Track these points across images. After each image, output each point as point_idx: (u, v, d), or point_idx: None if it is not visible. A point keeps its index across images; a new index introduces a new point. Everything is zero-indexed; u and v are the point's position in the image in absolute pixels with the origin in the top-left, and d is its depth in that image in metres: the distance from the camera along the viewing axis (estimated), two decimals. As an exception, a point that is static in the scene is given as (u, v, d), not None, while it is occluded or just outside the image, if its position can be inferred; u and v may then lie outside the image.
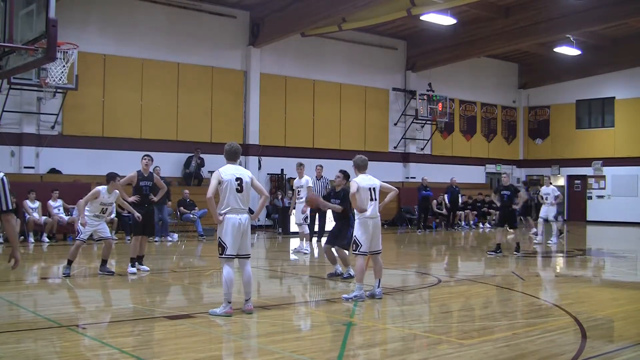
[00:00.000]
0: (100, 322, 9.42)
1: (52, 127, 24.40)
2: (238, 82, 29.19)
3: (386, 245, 15.70)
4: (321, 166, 21.03)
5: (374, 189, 11.40)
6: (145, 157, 15.03)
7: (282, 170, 29.52)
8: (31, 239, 21.19)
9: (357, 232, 11.28)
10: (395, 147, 34.61)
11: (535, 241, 23.70)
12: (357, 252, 11.29)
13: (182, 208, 24.61)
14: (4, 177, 6.88)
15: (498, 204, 20.13)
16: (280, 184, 29.55)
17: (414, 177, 34.00)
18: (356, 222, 11.33)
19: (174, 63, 27.24)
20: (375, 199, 11.36)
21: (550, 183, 24.88)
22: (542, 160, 39.95)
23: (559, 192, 24.51)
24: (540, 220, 24.23)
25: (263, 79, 29.53)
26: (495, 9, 29.61)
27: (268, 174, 29.60)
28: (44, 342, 8.16)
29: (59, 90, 23.41)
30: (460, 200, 31.27)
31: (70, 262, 14.08)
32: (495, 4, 29.09)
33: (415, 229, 29.60)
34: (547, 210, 23.89)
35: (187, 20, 27.46)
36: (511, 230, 20.18)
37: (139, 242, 14.45)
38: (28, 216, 21.40)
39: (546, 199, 23.90)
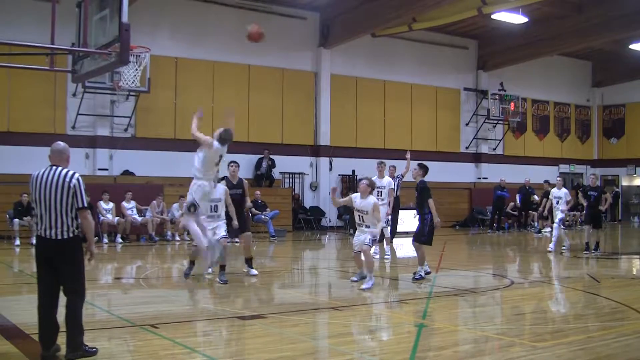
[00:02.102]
0: (173, 321, 9.52)
1: (125, 130, 24.86)
2: (309, 83, 29.31)
3: (458, 246, 15.60)
4: (394, 167, 20.83)
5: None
6: (232, 164, 14.39)
7: (353, 171, 29.49)
8: (105, 240, 21.57)
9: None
10: (467, 148, 34.34)
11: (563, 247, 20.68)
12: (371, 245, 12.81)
13: (253, 209, 24.75)
14: (79, 177, 7.37)
15: (585, 204, 20.44)
16: (351, 184, 29.50)
17: (486, 178, 33.69)
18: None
19: (244, 65, 27.48)
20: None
21: (563, 185, 21.69)
22: (617, 160, 39.08)
23: (570, 197, 21.80)
24: (556, 225, 20.71)
25: (334, 80, 29.59)
26: (568, 6, 29.15)
27: (339, 174, 29.63)
28: (117, 341, 8.30)
29: (131, 93, 23.86)
30: (534, 201, 30.71)
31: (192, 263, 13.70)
32: (567, 1, 28.63)
33: (487, 230, 29.29)
34: (556, 215, 20.99)
35: (257, 22, 27.53)
36: (594, 229, 20.00)
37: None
38: (102, 217, 21.77)
39: (557, 202, 20.99)
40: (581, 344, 8.45)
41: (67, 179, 7.28)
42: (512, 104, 34.27)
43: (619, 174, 38.95)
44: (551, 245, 20.40)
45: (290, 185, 28.59)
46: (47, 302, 7.44)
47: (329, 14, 28.82)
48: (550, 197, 21.63)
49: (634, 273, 17.24)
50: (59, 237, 7.28)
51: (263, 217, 24.52)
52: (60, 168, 7.39)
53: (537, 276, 15.66)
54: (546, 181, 28.19)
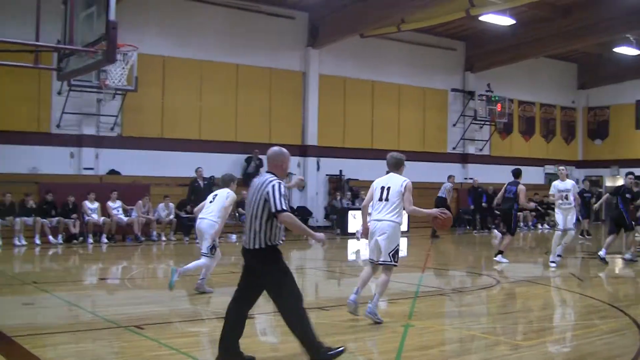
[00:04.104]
0: (159, 322, 9.49)
1: (112, 129, 24.68)
2: (297, 83, 29.27)
3: (444, 246, 15.60)
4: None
5: (388, 188, 9.76)
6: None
7: (340, 171, 29.51)
8: (90, 240, 21.36)
9: None
10: (454, 148, 34.40)
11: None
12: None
13: (240, 209, 24.69)
14: (276, 183, 7.11)
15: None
16: (338, 185, 29.53)
17: (472, 178, 33.78)
18: None
19: (232, 64, 27.39)
20: (386, 200, 9.74)
21: (568, 176, 17.79)
22: (602, 160, 39.27)
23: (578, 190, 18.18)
24: (558, 232, 16.99)
25: (322, 80, 29.55)
26: (555, 9, 29.19)
27: (327, 175, 29.61)
28: (102, 343, 8.25)
29: (118, 92, 23.64)
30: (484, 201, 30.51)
31: None
32: (554, 4, 28.68)
33: (472, 230, 29.36)
34: (565, 216, 16.84)
35: (246, 21, 27.55)
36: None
37: None
38: (87, 217, 21.65)
39: (565, 197, 16.91)
40: (565, 342, 8.53)
41: (263, 186, 7.11)
42: (498, 105, 34.38)
43: (603, 174, 39.10)
44: (558, 250, 16.57)
45: (278, 185, 28.50)
46: (233, 307, 7.27)
47: (318, 14, 28.79)
48: (552, 191, 17.19)
49: (617, 272, 17.36)
50: (251, 246, 7.09)
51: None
52: (267, 176, 7.24)
53: (522, 275, 15.69)
54: (471, 178, 28.50)
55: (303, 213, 28.62)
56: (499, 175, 31.96)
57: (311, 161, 29.09)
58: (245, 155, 27.11)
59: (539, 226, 32.36)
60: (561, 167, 17.63)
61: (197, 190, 22.58)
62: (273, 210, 6.98)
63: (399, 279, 13.95)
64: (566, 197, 16.79)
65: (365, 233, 9.81)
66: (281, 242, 7.21)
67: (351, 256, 20.59)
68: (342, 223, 26.80)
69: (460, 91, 34.54)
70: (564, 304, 12.26)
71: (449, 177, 26.80)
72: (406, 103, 32.44)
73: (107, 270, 16.59)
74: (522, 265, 18.27)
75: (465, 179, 34.07)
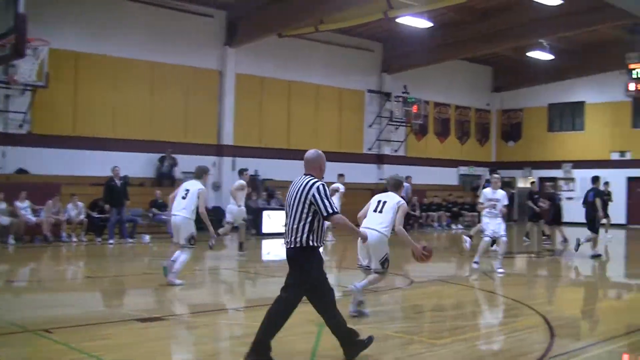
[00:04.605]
0: (68, 325, 9.20)
1: (20, 126, 23.88)
2: (213, 82, 29.01)
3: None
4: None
5: (384, 202, 10.51)
6: None
7: (256, 171, 29.28)
8: (-5, 241, 20.66)
9: None
10: (369, 149, 34.62)
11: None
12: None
13: (154, 209, 24.39)
14: (320, 186, 7.36)
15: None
16: (254, 185, 29.34)
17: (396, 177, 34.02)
18: None
19: (148, 62, 26.94)
20: (379, 212, 10.44)
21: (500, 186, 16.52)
22: (514, 162, 40.12)
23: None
24: (486, 239, 16.06)
25: (239, 79, 29.37)
26: (472, 12, 29.62)
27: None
28: (8, 349, 7.94)
29: (27, 88, 22.92)
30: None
31: None
32: (472, 7, 29.07)
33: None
34: (495, 225, 15.87)
35: (163, 18, 27.13)
36: None
37: None
38: (-7, 218, 20.90)
39: (493, 207, 15.93)
40: (478, 340, 8.64)
41: (307, 190, 7.31)
42: (414, 107, 34.76)
43: (515, 175, 39.86)
44: (476, 258, 16.06)
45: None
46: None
47: (236, 13, 28.60)
48: (482, 200, 16.36)
49: (528, 271, 17.72)
50: (292, 245, 7.27)
51: (164, 217, 24.14)
52: (307, 178, 7.43)
53: (436, 275, 15.81)
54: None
55: (217, 213, 28.36)
56: (415, 176, 32.34)
57: (226, 161, 28.89)
58: (159, 155, 26.75)
59: (453, 227, 32.79)
60: (495, 176, 16.77)
61: (113, 190, 22.15)
62: (325, 214, 7.23)
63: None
64: (494, 207, 15.88)
65: (365, 238, 9.90)
66: (323, 243, 7.43)
67: (266, 256, 20.46)
68: (257, 223, 26.65)
69: (376, 92, 34.81)
70: (477, 302, 12.42)
71: (407, 177, 27.56)
72: (323, 103, 32.52)
73: (14, 272, 16.07)
74: (436, 265, 18.45)
75: (381, 179, 34.29)
